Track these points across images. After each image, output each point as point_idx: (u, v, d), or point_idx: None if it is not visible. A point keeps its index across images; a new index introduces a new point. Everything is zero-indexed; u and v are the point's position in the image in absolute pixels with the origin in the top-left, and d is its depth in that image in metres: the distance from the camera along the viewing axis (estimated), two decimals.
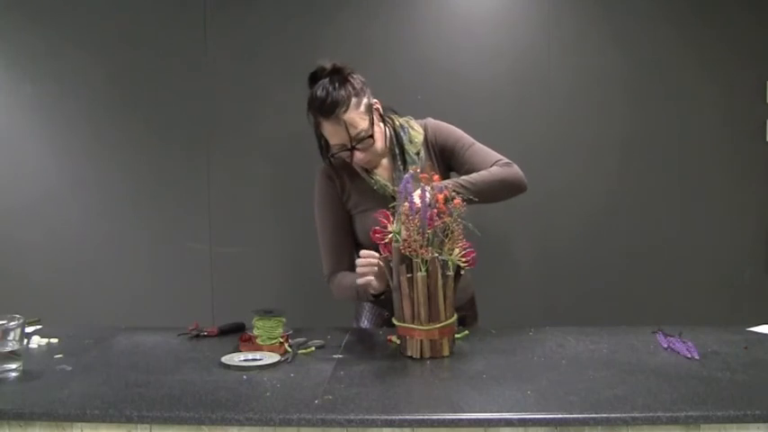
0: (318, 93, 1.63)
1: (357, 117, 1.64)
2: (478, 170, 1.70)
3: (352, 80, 1.66)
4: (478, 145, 1.77)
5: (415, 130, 1.77)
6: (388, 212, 1.53)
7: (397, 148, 1.74)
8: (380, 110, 1.73)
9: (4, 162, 2.56)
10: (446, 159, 1.80)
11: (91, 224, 2.56)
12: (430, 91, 2.43)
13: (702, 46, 2.46)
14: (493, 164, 1.72)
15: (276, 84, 2.50)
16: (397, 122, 1.77)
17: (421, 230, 1.45)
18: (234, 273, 2.55)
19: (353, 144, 1.65)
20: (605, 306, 2.49)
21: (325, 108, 1.61)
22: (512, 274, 2.52)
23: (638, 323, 1.82)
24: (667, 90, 2.48)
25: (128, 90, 2.53)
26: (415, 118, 1.85)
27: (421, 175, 1.53)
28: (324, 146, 1.76)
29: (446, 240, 1.48)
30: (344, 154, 1.68)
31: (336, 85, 1.63)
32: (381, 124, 1.73)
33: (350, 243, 1.80)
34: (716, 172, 2.50)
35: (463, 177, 1.65)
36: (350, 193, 1.77)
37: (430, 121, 1.82)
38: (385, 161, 1.78)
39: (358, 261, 1.58)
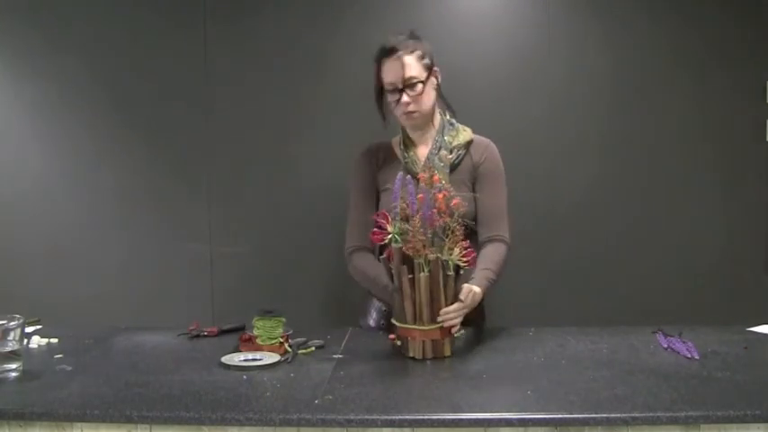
0: (387, 39, 1.80)
1: (415, 62, 1.77)
2: (486, 214, 1.82)
3: (421, 41, 1.81)
4: (503, 201, 1.86)
5: (465, 132, 1.87)
6: (386, 213, 1.53)
7: (439, 136, 1.84)
8: (438, 80, 1.84)
9: (3, 161, 2.56)
10: (473, 178, 1.85)
11: (91, 224, 2.56)
12: None
13: (702, 46, 2.46)
14: (496, 235, 1.82)
15: (276, 84, 2.51)
16: (447, 118, 1.88)
17: (422, 230, 1.45)
18: (234, 273, 2.55)
19: (404, 85, 1.76)
20: (605, 306, 2.48)
21: (389, 48, 1.77)
22: (512, 274, 2.50)
23: (638, 323, 1.82)
24: (667, 90, 2.48)
25: (128, 91, 2.53)
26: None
27: (419, 175, 1.53)
28: (379, 99, 1.85)
29: (446, 240, 1.48)
30: (394, 96, 1.78)
31: (406, 36, 1.80)
32: (433, 92, 1.83)
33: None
34: (716, 172, 2.50)
35: (490, 270, 1.72)
36: (384, 174, 1.85)
37: (491, 144, 1.90)
38: (424, 145, 1.86)
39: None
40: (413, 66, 1.77)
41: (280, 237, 2.54)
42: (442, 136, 1.84)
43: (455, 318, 1.53)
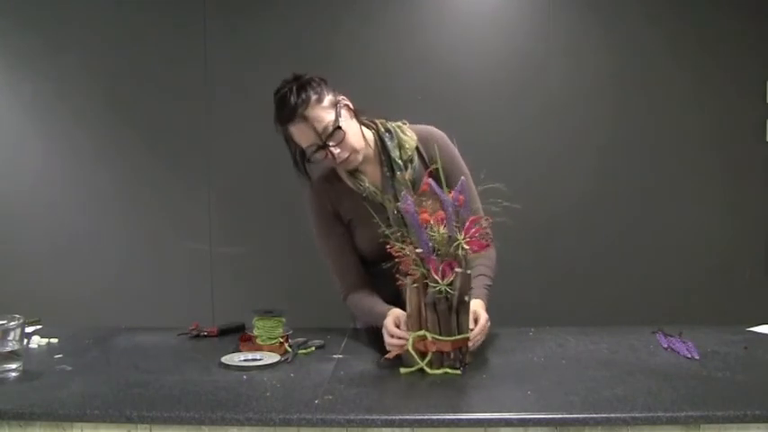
0: (278, 102, 1.61)
1: (321, 112, 1.59)
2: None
3: (309, 83, 1.63)
4: (474, 192, 1.67)
5: (407, 136, 1.71)
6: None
7: (383, 155, 1.70)
8: (350, 105, 1.68)
9: (3, 161, 2.56)
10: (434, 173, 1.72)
11: (91, 224, 2.56)
12: (430, 91, 2.43)
13: (702, 46, 2.46)
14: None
15: (276, 85, 2.50)
16: (382, 128, 1.72)
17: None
18: (234, 273, 2.55)
19: (324, 140, 1.60)
20: (605, 306, 2.48)
21: (287, 112, 1.59)
22: (512, 275, 2.51)
23: (638, 323, 1.82)
24: (668, 90, 2.48)
25: (128, 91, 2.53)
26: (416, 118, 1.81)
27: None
28: (299, 158, 1.70)
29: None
30: (320, 155, 1.63)
31: (294, 89, 1.61)
32: (354, 121, 1.67)
33: (356, 257, 1.76)
34: (716, 172, 2.50)
35: (487, 277, 1.65)
36: (343, 207, 1.73)
37: (433, 131, 1.75)
38: (372, 167, 1.72)
39: (388, 339, 1.50)
40: (321, 115, 1.58)
41: (280, 237, 2.54)
42: (388, 155, 1.68)
43: (480, 339, 1.50)
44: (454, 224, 1.42)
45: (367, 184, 1.69)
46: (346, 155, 1.62)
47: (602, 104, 2.49)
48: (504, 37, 2.47)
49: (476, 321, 1.50)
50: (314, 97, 1.60)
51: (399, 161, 1.68)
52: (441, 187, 1.46)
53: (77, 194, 2.56)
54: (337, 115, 1.61)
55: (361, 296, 1.72)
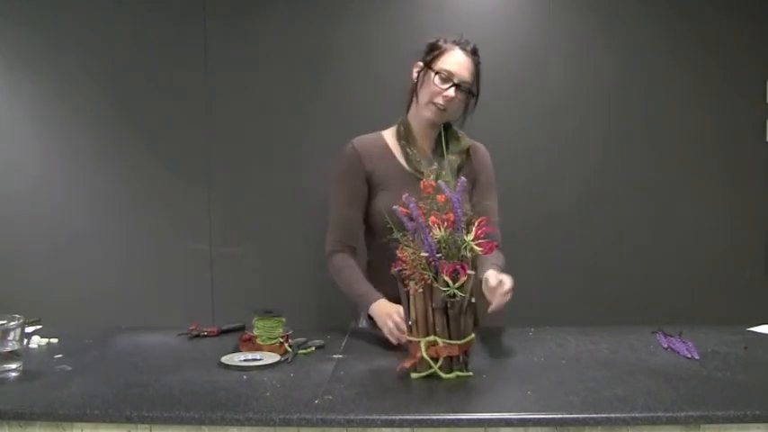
0: (461, 36, 1.83)
1: (475, 75, 1.82)
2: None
3: None
4: (497, 208, 1.88)
5: (463, 137, 1.89)
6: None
7: (440, 137, 1.84)
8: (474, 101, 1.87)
9: (3, 161, 2.56)
10: (472, 183, 1.87)
11: (91, 224, 2.56)
12: None
13: (702, 46, 2.46)
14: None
15: (276, 85, 2.51)
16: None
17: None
18: (234, 273, 2.55)
19: (457, 83, 1.77)
20: (605, 306, 2.48)
21: (469, 46, 1.81)
22: (512, 274, 2.51)
23: (637, 323, 1.82)
24: (668, 90, 2.48)
25: (128, 91, 2.53)
26: None
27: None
28: (415, 89, 1.83)
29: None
30: (445, 84, 1.77)
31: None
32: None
33: (360, 221, 1.84)
34: (716, 172, 2.50)
35: (498, 266, 1.76)
36: (375, 171, 1.82)
37: (483, 146, 1.94)
38: (427, 142, 1.86)
39: (389, 327, 1.61)
40: (474, 76, 1.81)
41: (280, 237, 2.54)
42: (446, 139, 1.83)
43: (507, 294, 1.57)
44: (462, 225, 1.41)
45: (415, 150, 1.82)
46: (449, 108, 1.79)
47: (602, 104, 2.49)
48: (504, 37, 2.47)
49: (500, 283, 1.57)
50: (477, 69, 1.84)
51: (453, 147, 1.85)
52: (472, 193, 1.66)
53: (77, 194, 2.56)
54: (474, 83, 1.83)
55: (346, 263, 1.80)
